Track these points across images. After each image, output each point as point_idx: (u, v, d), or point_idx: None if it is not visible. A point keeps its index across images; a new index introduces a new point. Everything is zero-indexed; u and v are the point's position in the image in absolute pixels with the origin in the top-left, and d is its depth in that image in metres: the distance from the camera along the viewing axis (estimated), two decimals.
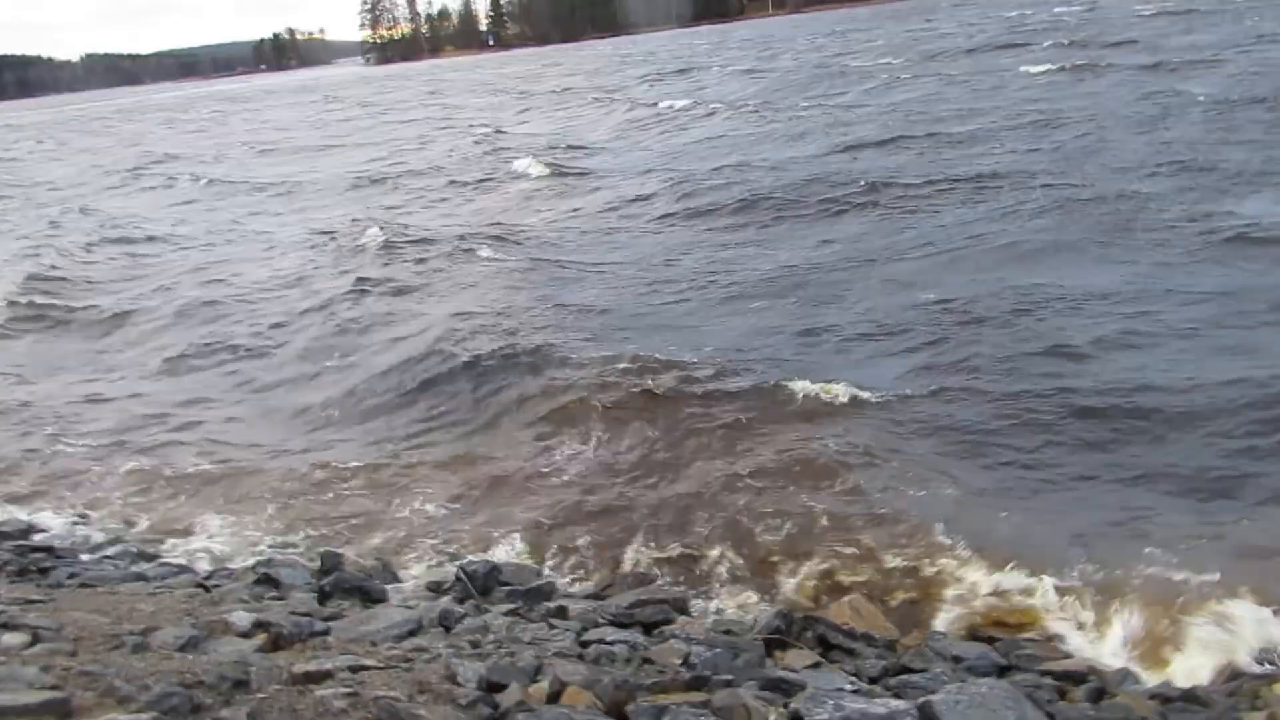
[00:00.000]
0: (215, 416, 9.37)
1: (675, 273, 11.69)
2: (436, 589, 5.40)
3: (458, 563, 5.59)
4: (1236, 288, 8.61)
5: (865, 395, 7.35)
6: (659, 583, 5.49)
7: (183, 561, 6.25)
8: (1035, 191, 12.77)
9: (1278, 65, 22.70)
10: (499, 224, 16.08)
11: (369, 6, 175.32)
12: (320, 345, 10.78)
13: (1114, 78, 24.15)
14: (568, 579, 5.86)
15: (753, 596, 5.38)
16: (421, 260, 13.95)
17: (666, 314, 10.16)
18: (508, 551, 6.16)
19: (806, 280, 10.64)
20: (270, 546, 6.58)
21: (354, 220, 17.56)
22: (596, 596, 5.26)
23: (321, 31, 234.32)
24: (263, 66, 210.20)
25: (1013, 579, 5.04)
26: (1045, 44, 35.50)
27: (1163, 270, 9.33)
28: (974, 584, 5.09)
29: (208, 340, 11.60)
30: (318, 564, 5.78)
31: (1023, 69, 28.54)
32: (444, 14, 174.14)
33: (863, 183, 14.73)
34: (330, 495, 7.30)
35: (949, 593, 5.10)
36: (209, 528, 6.96)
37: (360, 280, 13.05)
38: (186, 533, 6.92)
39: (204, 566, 6.24)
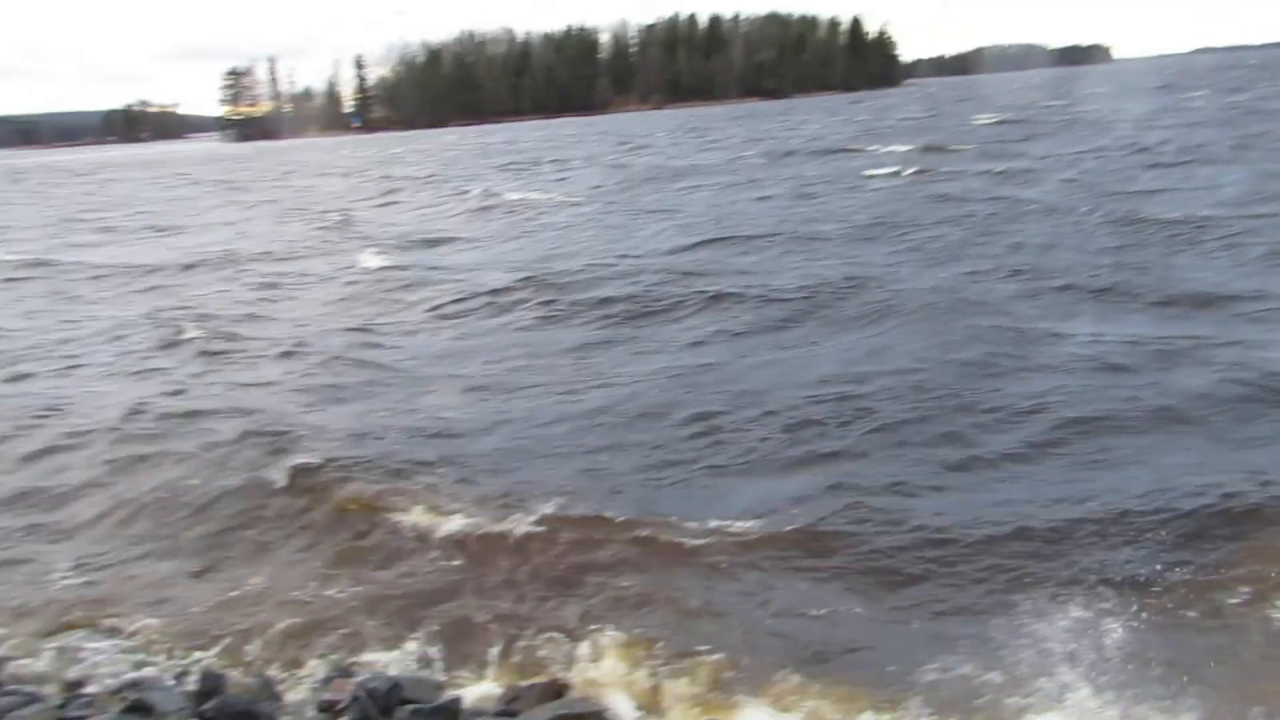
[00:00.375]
0: (24, 530, 8.23)
1: (536, 378, 11.17)
2: (329, 709, 5.09)
3: (355, 679, 5.28)
4: (1100, 405, 8.64)
5: (740, 521, 7.02)
6: (571, 695, 5.32)
7: (31, 689, 5.64)
8: (898, 295, 12.96)
9: (1107, 174, 24.38)
10: (341, 320, 15.24)
11: (230, 83, 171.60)
12: (126, 453, 9.63)
13: (960, 184, 25.33)
14: (467, 690, 5.53)
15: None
16: (251, 359, 12.95)
17: (524, 427, 9.50)
18: (398, 663, 5.78)
19: (672, 387, 10.30)
20: (129, 664, 5.95)
21: (182, 309, 16.31)
22: (507, 714, 5.06)
23: (176, 105, 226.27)
24: (112, 137, 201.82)
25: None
26: (890, 148, 37.34)
27: (1020, 382, 9.31)
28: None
29: (9, 441, 10.24)
30: (190, 684, 5.41)
31: (870, 171, 29.79)
32: (308, 94, 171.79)
33: (727, 282, 14.82)
34: (179, 609, 6.60)
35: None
36: (49, 647, 6.19)
37: (176, 379, 12.06)
38: (24, 655, 6.14)
39: (51, 692, 5.61)
